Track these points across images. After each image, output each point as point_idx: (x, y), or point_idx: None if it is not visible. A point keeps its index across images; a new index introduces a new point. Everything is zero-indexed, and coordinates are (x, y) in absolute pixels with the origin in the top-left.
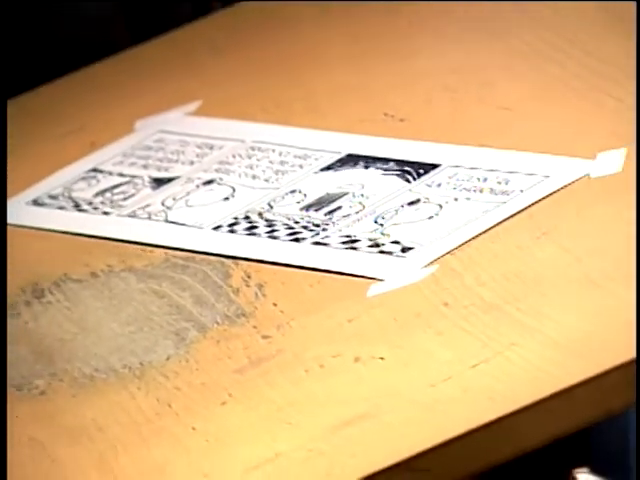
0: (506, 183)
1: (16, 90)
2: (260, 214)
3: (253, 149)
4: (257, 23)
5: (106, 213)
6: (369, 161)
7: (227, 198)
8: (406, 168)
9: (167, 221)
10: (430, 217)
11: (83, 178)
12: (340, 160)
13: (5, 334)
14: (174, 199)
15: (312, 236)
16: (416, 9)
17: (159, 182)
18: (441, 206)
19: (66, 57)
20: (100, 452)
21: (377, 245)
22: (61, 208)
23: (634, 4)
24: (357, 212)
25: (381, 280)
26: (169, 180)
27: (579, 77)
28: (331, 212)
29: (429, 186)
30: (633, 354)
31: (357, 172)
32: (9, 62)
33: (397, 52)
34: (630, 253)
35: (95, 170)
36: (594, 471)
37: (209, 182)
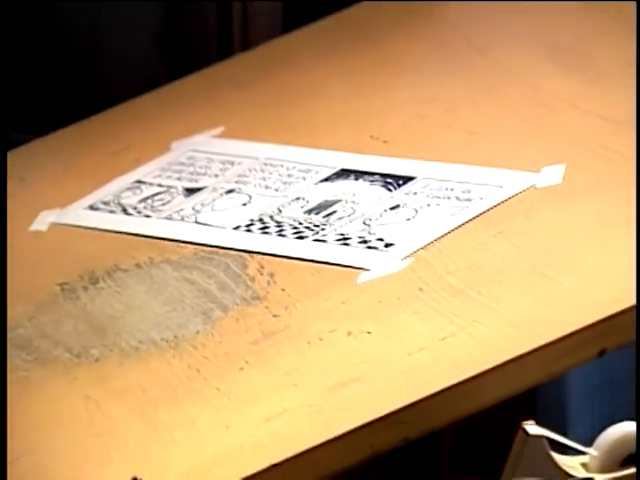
0: (469, 192)
1: (77, 117)
2: (271, 217)
3: (265, 165)
4: (267, 64)
5: (148, 216)
6: (358, 174)
7: (245, 204)
8: (388, 180)
9: (196, 222)
10: (408, 219)
11: (129, 188)
12: (335, 173)
13: (5, 334)
14: (202, 205)
15: (313, 235)
16: (397, 50)
17: (190, 191)
18: (417, 210)
19: (118, 92)
20: (143, 408)
21: (365, 242)
22: (112, 212)
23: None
24: (349, 215)
25: (368, 270)
26: (198, 190)
27: (526, 107)
28: (328, 215)
29: (407, 194)
30: (571, 329)
31: (349, 183)
32: (72, 95)
33: (381, 85)
34: (568, 248)
35: (139, 182)
36: (538, 423)
37: (230, 191)
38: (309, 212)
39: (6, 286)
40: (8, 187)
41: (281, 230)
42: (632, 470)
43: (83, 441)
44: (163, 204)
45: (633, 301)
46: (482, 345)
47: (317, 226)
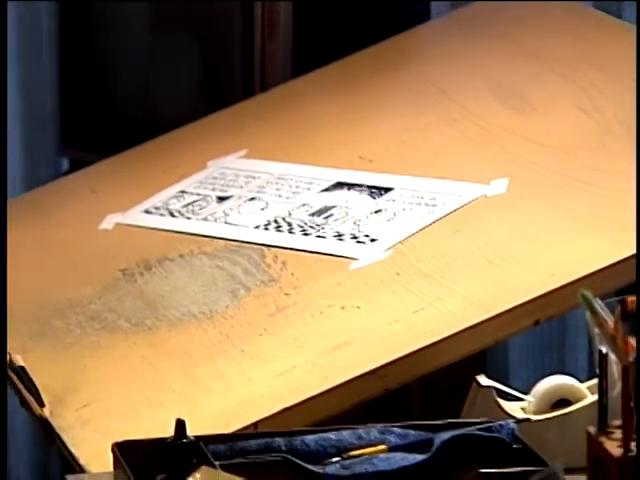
0: (434, 199)
1: (135, 142)
2: (283, 218)
3: (279, 179)
4: (280, 101)
5: (189, 218)
6: (350, 186)
7: (263, 209)
8: (373, 190)
9: (226, 223)
10: (388, 220)
11: (175, 196)
12: (332, 185)
13: (5, 334)
14: (230, 209)
15: (315, 232)
16: (380, 91)
17: (221, 199)
18: (395, 214)
19: (167, 123)
20: (185, 365)
21: (355, 237)
22: (161, 215)
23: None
24: (343, 217)
25: (357, 259)
26: (227, 198)
27: (477, 134)
28: (327, 217)
29: (387, 201)
30: (512, 305)
31: (343, 193)
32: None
33: (367, 118)
34: (511, 242)
35: (182, 191)
36: (487, 377)
37: (252, 199)
38: (312, 215)
39: (6, 286)
40: (83, 197)
41: (291, 229)
42: (559, 412)
43: (140, 390)
44: (200, 209)
45: (561, 283)
46: (444, 317)
47: (318, 225)
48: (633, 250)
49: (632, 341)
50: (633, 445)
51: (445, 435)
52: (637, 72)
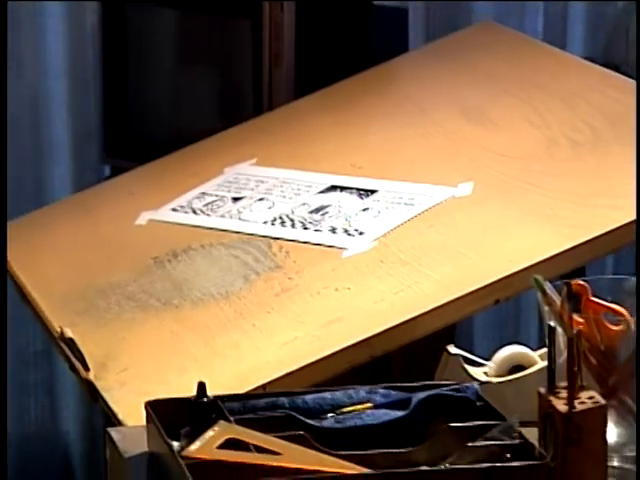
0: (412, 199)
1: (165, 153)
2: (287, 215)
3: (283, 182)
4: (284, 118)
5: (208, 215)
6: (342, 188)
7: (270, 207)
8: (361, 192)
9: (239, 219)
10: (374, 217)
11: (197, 197)
12: (327, 188)
13: (5, 334)
14: (243, 208)
15: (313, 227)
16: (369, 109)
17: (235, 199)
18: (379, 211)
19: (190, 137)
20: (206, 337)
21: (346, 231)
22: (186, 212)
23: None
24: (336, 214)
25: (348, 249)
26: (240, 198)
27: (448, 146)
28: (323, 214)
29: (373, 201)
30: (476, 287)
31: (336, 194)
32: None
33: (358, 132)
34: (475, 235)
35: (203, 193)
36: (456, 346)
37: (261, 199)
38: (311, 212)
39: (6, 284)
40: (121, 198)
41: (293, 224)
42: (515, 376)
43: (168, 358)
44: (218, 207)
45: (516, 269)
46: (420, 297)
47: (316, 221)
48: (576, 242)
49: (576, 317)
50: (576, 402)
51: (421, 395)
52: (637, 75)
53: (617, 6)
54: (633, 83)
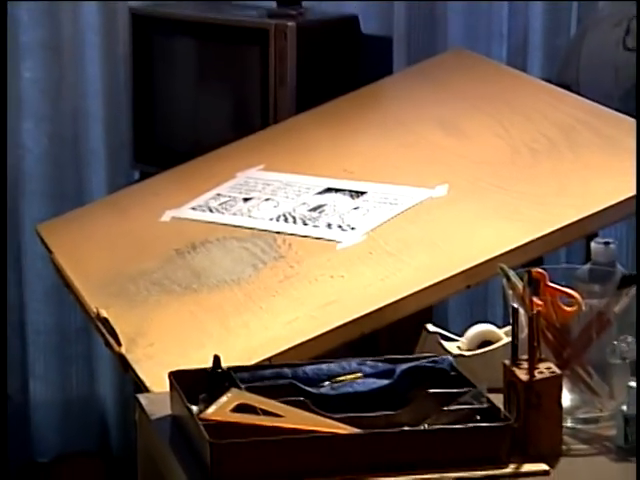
0: (396, 200)
1: (184, 160)
2: (289, 213)
3: (286, 185)
4: (286, 130)
5: (222, 213)
6: (337, 190)
7: (275, 206)
8: (353, 193)
9: (249, 216)
10: (363, 214)
11: (213, 198)
12: (324, 190)
13: (5, 331)
14: (252, 207)
15: (312, 223)
16: (358, 123)
17: (246, 200)
18: (368, 210)
19: (206, 147)
20: (220, 317)
21: (340, 227)
22: (203, 211)
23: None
24: (332, 212)
25: (342, 242)
26: (250, 199)
27: (427, 155)
28: (320, 212)
29: (363, 201)
30: (450, 274)
31: (332, 195)
32: (182, 148)
33: (349, 142)
34: (450, 230)
35: (218, 194)
36: (434, 325)
37: (267, 199)
38: (310, 211)
39: (6, 281)
40: (148, 198)
41: (295, 220)
42: (484, 350)
43: (188, 335)
44: (231, 206)
45: (485, 258)
46: (403, 283)
47: (314, 218)
48: (535, 236)
49: (535, 300)
50: (536, 372)
51: (404, 366)
52: (637, 79)
53: (569, 36)
54: (583, 100)
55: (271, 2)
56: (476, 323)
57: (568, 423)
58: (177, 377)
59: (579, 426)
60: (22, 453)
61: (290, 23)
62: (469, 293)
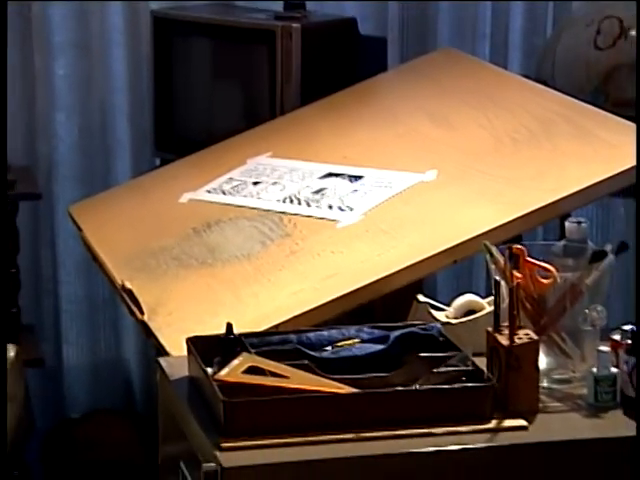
0: (390, 183)
1: (200, 148)
2: (295, 195)
3: (292, 170)
4: (292, 121)
5: (234, 195)
6: (337, 175)
7: (281, 190)
8: (351, 177)
9: (259, 198)
10: (361, 196)
11: (226, 182)
12: (325, 174)
13: (5, 328)
14: (261, 190)
15: (315, 204)
16: (357, 116)
17: (255, 183)
18: (365, 192)
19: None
20: (232, 288)
21: (340, 208)
22: (217, 193)
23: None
24: (332, 195)
25: (341, 221)
26: (259, 182)
27: (418, 145)
28: (322, 195)
29: (360, 185)
30: (438, 250)
31: (332, 179)
32: (199, 138)
33: (349, 132)
34: (439, 210)
35: (231, 178)
36: (424, 295)
37: (274, 183)
38: (313, 193)
39: (6, 279)
40: (168, 182)
41: (299, 202)
42: (469, 318)
43: (203, 304)
44: (242, 189)
45: (470, 236)
46: (397, 258)
47: (317, 200)
48: (515, 216)
49: (515, 273)
50: (515, 338)
51: (397, 332)
52: (637, 77)
53: (546, 36)
54: (560, 94)
55: (278, 5)
56: (462, 294)
57: (544, 383)
58: (194, 342)
59: (554, 386)
60: (57, 410)
61: (295, 25)
62: (456, 267)
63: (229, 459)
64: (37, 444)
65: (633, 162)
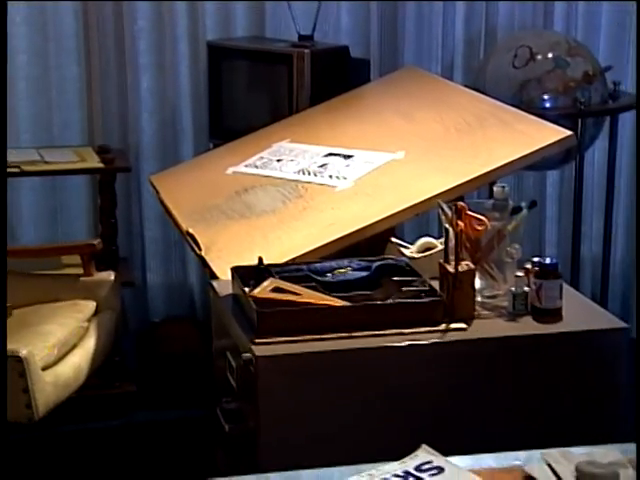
0: (372, 160)
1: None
2: (306, 169)
3: (304, 152)
4: (303, 118)
5: (264, 169)
6: (335, 155)
7: (297, 165)
8: (345, 156)
9: (281, 171)
10: (352, 170)
11: (258, 159)
12: (327, 154)
13: (5, 323)
14: (282, 165)
15: (319, 175)
16: (355, 112)
17: (278, 160)
18: (355, 167)
19: (250, 129)
20: (262, 234)
21: (337, 177)
22: (252, 167)
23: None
24: (332, 168)
25: (338, 187)
26: (281, 160)
27: (392, 133)
28: (324, 168)
29: (351, 161)
30: (403, 207)
31: (332, 158)
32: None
33: (347, 125)
34: (405, 180)
35: (261, 157)
36: (395, 237)
37: (291, 160)
38: (318, 167)
39: (6, 278)
40: (218, 160)
41: (309, 173)
42: (427, 253)
43: (243, 245)
44: (269, 165)
45: (427, 196)
46: (377, 212)
47: (321, 172)
48: (459, 182)
49: (459, 222)
50: (459, 267)
51: (377, 263)
52: (637, 72)
53: (479, 59)
54: (488, 98)
55: (294, 37)
56: (422, 236)
57: (478, 299)
58: (236, 270)
59: (485, 300)
60: (143, 317)
61: (306, 50)
62: (418, 219)
63: (260, 350)
64: (130, 340)
65: (539, 145)
